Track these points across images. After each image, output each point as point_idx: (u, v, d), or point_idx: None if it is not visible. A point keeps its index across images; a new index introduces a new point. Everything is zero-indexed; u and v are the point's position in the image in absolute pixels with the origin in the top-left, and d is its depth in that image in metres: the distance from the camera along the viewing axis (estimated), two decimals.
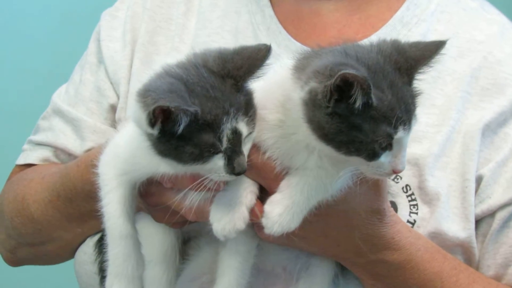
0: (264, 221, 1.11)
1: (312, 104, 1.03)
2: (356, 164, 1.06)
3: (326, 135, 1.03)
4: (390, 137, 1.02)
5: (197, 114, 1.00)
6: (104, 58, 1.54)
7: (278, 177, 1.12)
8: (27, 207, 1.44)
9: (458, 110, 1.36)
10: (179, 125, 0.99)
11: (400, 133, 1.02)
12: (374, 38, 1.32)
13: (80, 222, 1.39)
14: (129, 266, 1.20)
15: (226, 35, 1.48)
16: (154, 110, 0.98)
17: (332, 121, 1.02)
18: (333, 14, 1.44)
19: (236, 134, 1.04)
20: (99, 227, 1.23)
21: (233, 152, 1.04)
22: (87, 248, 1.43)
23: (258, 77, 1.08)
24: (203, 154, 1.03)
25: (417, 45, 1.09)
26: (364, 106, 1.00)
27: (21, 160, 1.56)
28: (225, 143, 1.03)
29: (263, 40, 1.44)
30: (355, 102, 0.99)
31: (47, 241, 1.46)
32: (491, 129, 1.35)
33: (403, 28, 1.40)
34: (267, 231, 1.11)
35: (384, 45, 1.08)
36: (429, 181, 1.32)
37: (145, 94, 1.02)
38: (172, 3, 1.55)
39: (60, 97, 1.58)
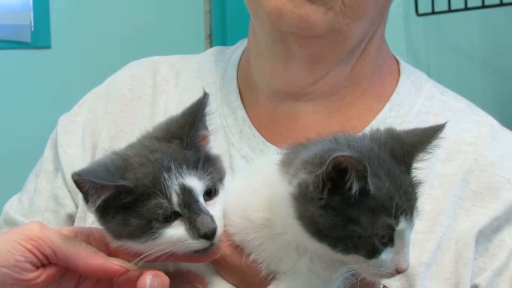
0: None
1: (303, 198, 0.93)
2: (355, 264, 0.95)
3: (320, 231, 0.92)
4: (391, 228, 0.92)
5: (125, 186, 0.94)
6: (61, 164, 1.44)
7: (263, 283, 1.01)
8: None
9: (449, 216, 1.27)
10: (98, 199, 0.94)
11: (402, 224, 0.93)
12: None
13: None
14: None
15: None
16: (76, 184, 0.95)
17: (326, 215, 0.92)
18: (310, 116, 1.37)
19: (186, 190, 0.95)
20: None
21: (191, 212, 0.95)
22: None
23: (203, 128, 1.04)
24: (152, 224, 0.94)
25: (413, 131, 1.02)
26: (360, 195, 0.91)
27: None
28: (176, 204, 0.94)
29: (236, 144, 1.37)
30: (351, 188, 0.90)
31: None
32: (485, 236, 1.26)
33: None
34: None
35: (377, 133, 1.01)
36: None
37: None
38: (136, 106, 1.47)
39: (12, 207, 1.47)
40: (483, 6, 2.37)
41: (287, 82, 1.36)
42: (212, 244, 0.97)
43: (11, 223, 1.44)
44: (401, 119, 1.35)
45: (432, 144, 1.00)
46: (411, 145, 0.99)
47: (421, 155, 1.00)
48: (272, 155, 1.04)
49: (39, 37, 3.10)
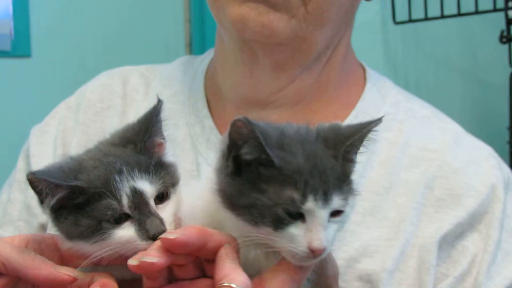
0: None
1: (218, 170, 0.96)
2: (266, 237, 0.94)
3: (229, 200, 0.94)
4: (295, 203, 0.91)
5: (78, 186, 0.96)
6: None
7: None
8: None
9: (412, 223, 1.27)
10: (52, 199, 0.97)
11: (309, 204, 0.91)
12: None
13: None
14: None
15: None
16: (30, 183, 0.97)
17: (233, 183, 0.94)
18: (278, 123, 1.37)
19: (136, 192, 0.97)
20: None
21: (141, 215, 0.97)
22: None
23: (158, 134, 1.05)
24: (102, 224, 0.96)
25: (352, 125, 1.02)
26: (265, 165, 0.92)
27: None
28: (126, 206, 0.96)
29: (203, 152, 1.37)
30: (248, 154, 0.93)
31: None
32: (448, 242, 1.26)
33: None
34: None
35: (320, 125, 1.02)
36: None
37: None
38: (106, 116, 1.48)
39: None
40: (459, 14, 2.38)
41: (253, 89, 1.37)
42: None
43: None
44: None
45: (366, 136, 0.99)
46: (344, 135, 0.99)
47: (356, 146, 0.99)
48: None
49: (19, 46, 3.09)
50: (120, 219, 0.97)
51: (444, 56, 2.65)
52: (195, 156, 1.37)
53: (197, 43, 3.28)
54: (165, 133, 1.08)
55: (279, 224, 0.92)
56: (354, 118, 1.36)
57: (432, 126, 1.39)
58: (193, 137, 1.40)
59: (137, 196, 0.97)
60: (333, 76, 1.39)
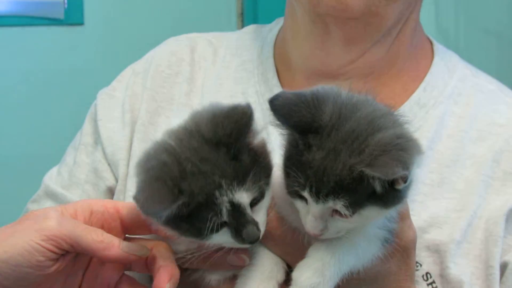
0: None
1: None
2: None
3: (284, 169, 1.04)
4: (297, 186, 0.99)
5: (183, 202, 0.99)
6: (101, 138, 1.47)
7: (304, 253, 1.05)
8: None
9: (479, 195, 1.30)
10: (160, 219, 1.01)
11: (306, 194, 0.98)
12: None
13: None
14: None
15: None
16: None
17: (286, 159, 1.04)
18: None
19: (235, 205, 1.01)
20: None
21: (238, 224, 1.01)
22: None
23: (250, 137, 1.06)
24: (201, 231, 1.00)
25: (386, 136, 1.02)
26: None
27: None
28: (225, 217, 1.00)
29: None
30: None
31: None
32: None
33: (420, 110, 1.36)
34: None
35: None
36: (451, 269, 1.25)
37: (137, 187, 1.03)
38: (175, 82, 1.50)
39: (52, 179, 1.50)
40: None
41: (323, 61, 1.39)
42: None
43: (51, 195, 1.46)
44: (434, 99, 1.37)
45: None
46: (376, 144, 0.99)
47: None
48: None
49: (72, 14, 3.11)
50: (218, 227, 1.01)
51: (495, 29, 2.64)
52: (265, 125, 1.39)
53: (249, 13, 3.28)
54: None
55: (292, 194, 1.01)
56: (422, 91, 1.38)
57: (499, 101, 1.40)
58: (263, 106, 1.40)
59: (235, 208, 1.01)
60: (403, 50, 1.40)
